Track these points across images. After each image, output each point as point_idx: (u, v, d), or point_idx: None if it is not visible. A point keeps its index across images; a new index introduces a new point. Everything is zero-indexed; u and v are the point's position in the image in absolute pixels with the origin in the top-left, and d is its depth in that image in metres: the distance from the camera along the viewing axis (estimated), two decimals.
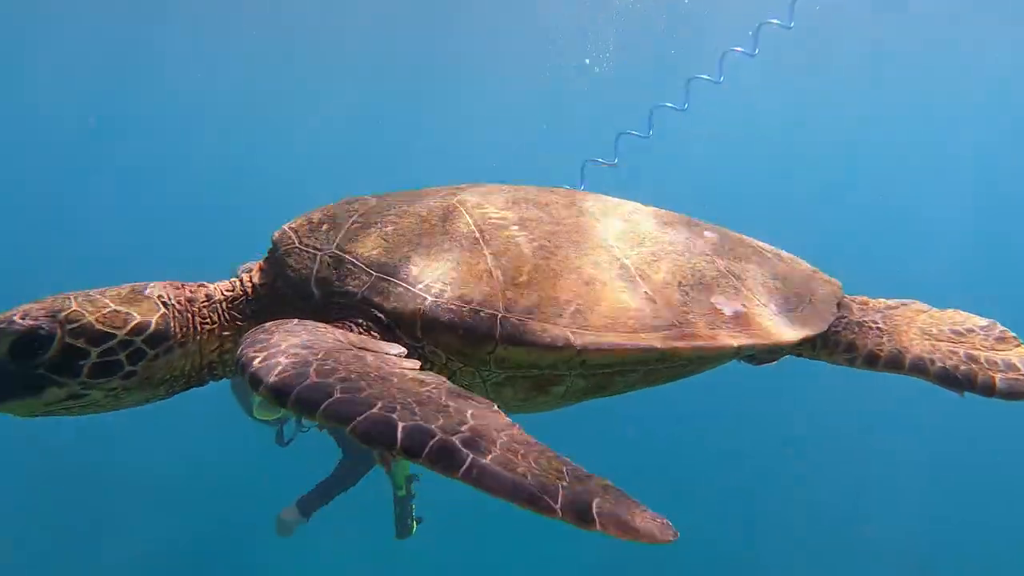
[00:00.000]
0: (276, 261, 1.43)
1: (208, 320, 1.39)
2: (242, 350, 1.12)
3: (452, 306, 1.26)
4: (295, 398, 0.98)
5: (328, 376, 1.01)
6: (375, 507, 4.47)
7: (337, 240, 1.39)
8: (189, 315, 1.37)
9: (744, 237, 1.74)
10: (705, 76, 4.33)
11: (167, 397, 1.40)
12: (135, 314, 1.28)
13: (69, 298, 1.28)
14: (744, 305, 1.43)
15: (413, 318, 1.27)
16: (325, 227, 1.44)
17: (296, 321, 1.23)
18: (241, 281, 1.47)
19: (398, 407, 0.95)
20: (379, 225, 1.42)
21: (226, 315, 1.42)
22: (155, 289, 1.37)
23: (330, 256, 1.37)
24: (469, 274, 1.31)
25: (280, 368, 1.03)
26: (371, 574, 8.41)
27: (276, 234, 1.49)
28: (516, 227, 1.43)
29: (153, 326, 1.29)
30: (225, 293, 1.44)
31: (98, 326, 1.24)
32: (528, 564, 8.78)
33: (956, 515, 9.54)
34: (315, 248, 1.39)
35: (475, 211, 1.46)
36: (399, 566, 7.91)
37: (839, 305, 1.63)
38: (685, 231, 1.59)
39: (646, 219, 1.60)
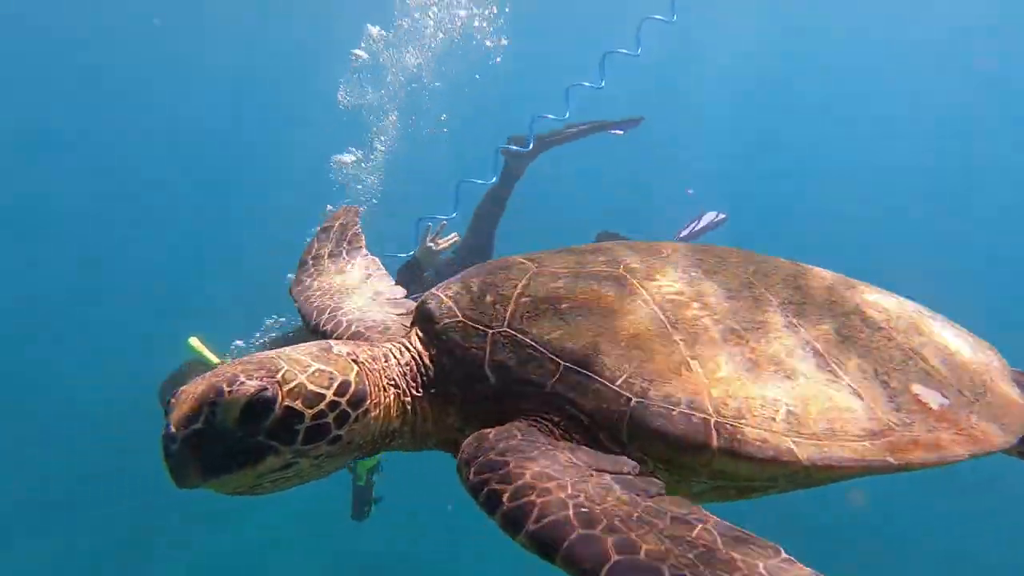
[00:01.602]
0: (438, 336, 1.31)
1: (392, 383, 1.29)
2: (477, 475, 1.03)
3: (661, 409, 1.14)
4: (565, 556, 0.88)
5: (592, 526, 0.91)
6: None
7: (508, 317, 1.27)
8: (375, 376, 1.27)
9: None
10: (658, 16, 4.61)
11: (342, 468, 1.31)
12: (336, 373, 1.19)
13: (275, 357, 1.18)
14: (944, 395, 1.31)
15: (618, 422, 1.15)
16: (489, 299, 1.32)
17: (518, 433, 1.12)
18: (409, 347, 1.36)
19: (686, 572, 0.85)
20: (552, 302, 1.29)
21: (404, 381, 1.31)
22: (342, 347, 1.27)
23: (504, 336, 1.24)
24: (667, 367, 1.19)
25: (537, 513, 0.93)
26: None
27: (431, 304, 1.35)
28: (697, 305, 1.31)
29: (353, 386, 1.20)
30: (399, 357, 1.34)
31: (310, 386, 1.15)
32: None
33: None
34: (484, 325, 1.27)
35: (649, 285, 1.34)
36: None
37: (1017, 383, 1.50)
38: (849, 294, 1.47)
39: (812, 282, 1.47)
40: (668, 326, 1.26)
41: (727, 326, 1.28)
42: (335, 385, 1.17)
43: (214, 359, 3.28)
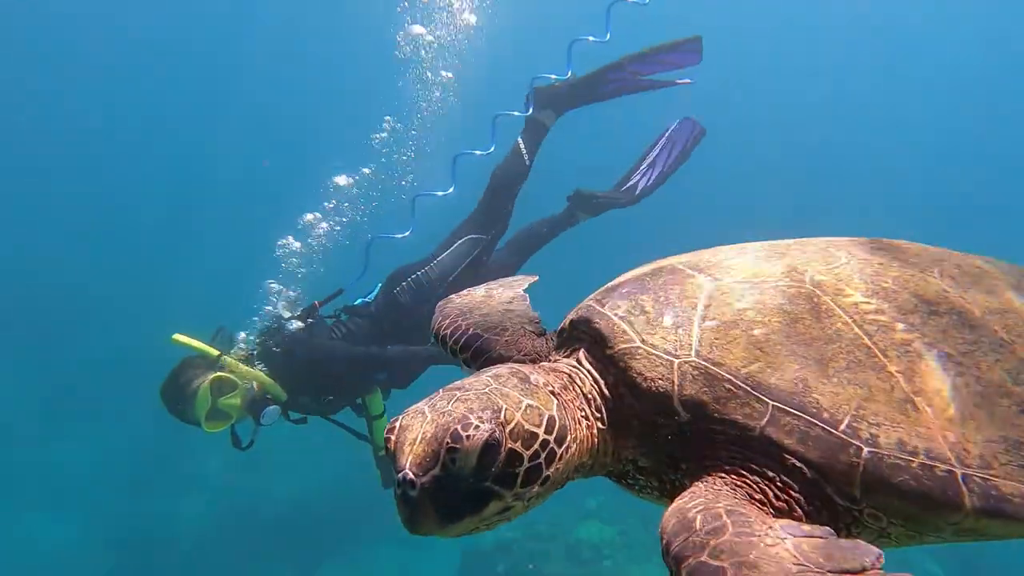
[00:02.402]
0: (614, 362, 1.16)
1: (583, 414, 1.16)
2: (691, 560, 0.87)
3: (898, 459, 0.98)
4: None
5: None
6: None
7: (693, 344, 1.11)
8: (571, 409, 1.15)
9: None
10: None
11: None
12: (542, 408, 1.07)
13: (489, 393, 1.06)
14: None
15: (848, 475, 0.99)
16: (669, 322, 1.15)
17: (726, 514, 0.93)
18: (587, 373, 1.21)
19: None
20: (741, 326, 1.13)
21: (590, 411, 1.18)
22: (537, 375, 1.15)
23: (694, 368, 1.09)
24: (890, 406, 1.03)
25: None
26: None
27: (601, 324, 1.19)
28: (903, 326, 1.13)
29: (558, 420, 1.08)
30: (582, 386, 1.20)
31: (526, 425, 1.05)
32: None
33: None
34: (667, 353, 1.11)
35: (843, 302, 1.16)
36: None
37: None
38: None
39: (1011, 294, 1.28)
40: (879, 353, 1.08)
41: (940, 350, 1.11)
42: (544, 422, 1.07)
43: (210, 350, 3.20)
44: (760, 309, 1.15)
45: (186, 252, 16.39)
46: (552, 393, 1.13)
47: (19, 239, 16.21)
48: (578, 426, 1.14)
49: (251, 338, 3.58)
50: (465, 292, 1.75)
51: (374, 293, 3.83)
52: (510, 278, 1.85)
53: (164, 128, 18.76)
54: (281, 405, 3.33)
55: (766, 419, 1.02)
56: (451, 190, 4.09)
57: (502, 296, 1.68)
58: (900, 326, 1.13)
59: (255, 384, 3.24)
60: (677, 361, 1.10)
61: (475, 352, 1.44)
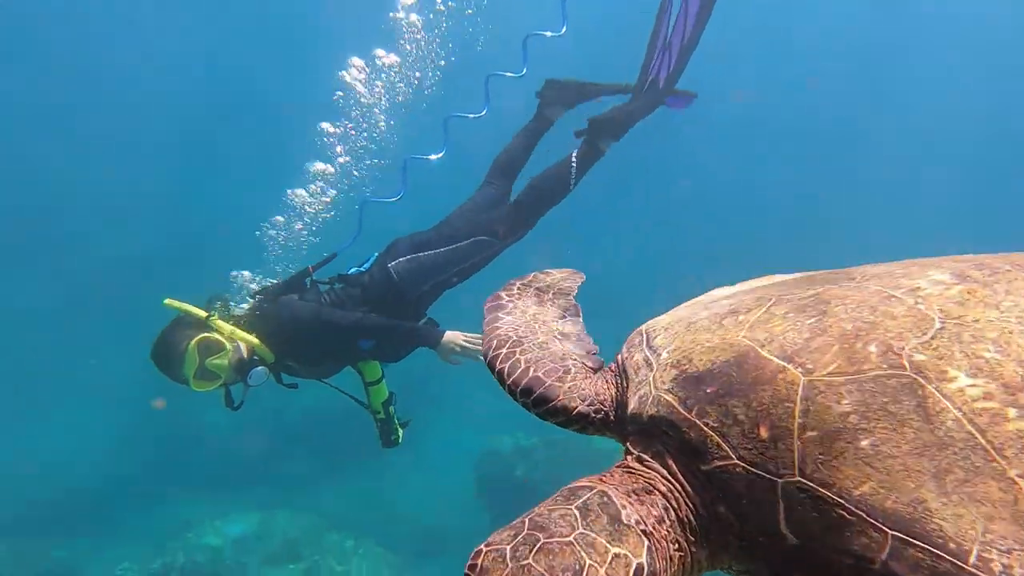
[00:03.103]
0: (711, 480, 1.07)
1: (676, 545, 1.10)
2: None
3: None
4: None
5: None
6: None
7: (796, 460, 1.01)
8: (663, 547, 1.08)
9: None
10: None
11: None
12: (630, 555, 1.01)
13: (574, 544, 0.99)
14: None
15: None
16: (765, 433, 1.05)
17: None
18: (685, 492, 1.13)
19: None
20: (845, 436, 1.02)
21: (684, 537, 1.11)
22: (630, 512, 1.07)
23: (799, 489, 1.00)
24: (1016, 523, 0.94)
25: None
26: None
27: (692, 434, 1.10)
28: (1015, 412, 1.02)
29: (647, 568, 1.02)
30: (677, 509, 1.13)
31: None
32: None
33: None
34: (769, 473, 1.02)
35: (948, 389, 1.04)
36: None
37: None
38: None
39: None
40: (996, 455, 0.98)
41: None
42: (631, 573, 1.00)
43: (199, 312, 3.24)
44: (863, 412, 1.03)
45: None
46: (645, 533, 1.05)
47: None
48: (670, 563, 1.08)
49: (244, 298, 3.57)
50: (513, 294, 1.67)
51: (369, 262, 3.71)
52: (560, 276, 1.78)
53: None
54: (270, 367, 3.34)
55: (887, 552, 0.93)
56: (442, 154, 3.92)
57: (555, 312, 1.61)
58: (1012, 412, 1.02)
59: (243, 346, 3.25)
60: (781, 482, 1.01)
61: (536, 400, 1.40)
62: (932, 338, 1.10)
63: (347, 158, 5.32)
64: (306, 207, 4.90)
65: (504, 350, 1.48)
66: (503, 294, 1.70)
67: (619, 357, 1.46)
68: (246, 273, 4.31)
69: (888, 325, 1.14)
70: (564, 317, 1.65)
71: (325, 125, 5.38)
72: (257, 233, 4.76)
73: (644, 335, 1.38)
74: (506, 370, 1.45)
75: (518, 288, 1.75)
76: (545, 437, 13.62)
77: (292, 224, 4.89)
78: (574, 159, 3.74)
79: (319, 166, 5.17)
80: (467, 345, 3.39)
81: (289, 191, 4.85)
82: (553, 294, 1.75)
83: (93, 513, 10.28)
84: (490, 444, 13.32)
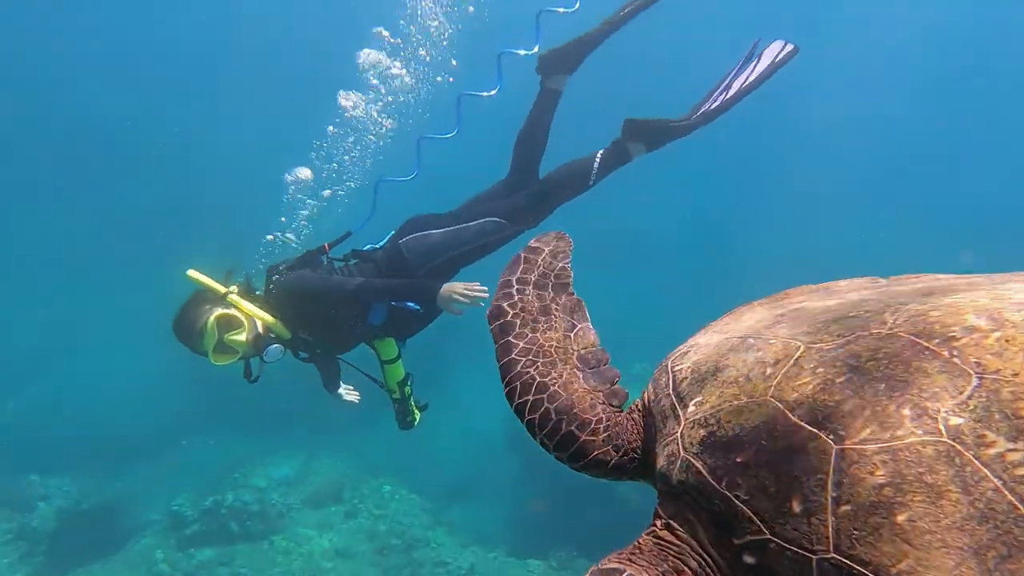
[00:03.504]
0: (744, 552, 1.05)
1: None
2: None
3: None
4: None
5: None
6: None
7: (831, 536, 0.98)
8: None
9: None
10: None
11: None
12: None
13: None
14: None
15: None
16: (797, 507, 1.01)
17: None
18: (715, 564, 1.11)
19: None
20: (881, 510, 0.98)
21: None
22: None
23: (835, 567, 0.97)
24: None
25: None
26: None
27: (722, 506, 1.07)
28: None
29: None
30: None
31: None
32: None
33: None
34: (803, 549, 0.99)
35: (985, 454, 0.98)
36: None
37: None
38: None
39: None
40: None
41: None
42: None
43: (218, 287, 3.28)
44: (898, 484, 0.99)
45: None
46: None
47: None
48: None
49: (261, 270, 3.59)
50: (515, 303, 1.60)
51: (385, 239, 3.74)
52: (548, 251, 1.71)
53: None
54: (285, 343, 3.39)
55: None
56: (455, 132, 3.83)
57: (564, 321, 1.57)
58: None
59: (259, 322, 3.29)
60: (815, 558, 0.98)
61: (572, 456, 1.39)
62: (968, 397, 1.04)
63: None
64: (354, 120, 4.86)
65: (530, 397, 1.44)
66: (506, 306, 1.61)
67: (645, 396, 1.42)
68: (290, 235, 4.33)
69: (922, 384, 1.07)
70: (574, 326, 1.60)
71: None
72: (286, 198, 4.77)
73: (671, 376, 1.33)
74: (536, 422, 1.42)
75: (517, 291, 1.65)
76: None
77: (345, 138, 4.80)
78: (599, 157, 3.65)
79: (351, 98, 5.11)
80: (466, 293, 3.36)
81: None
82: (553, 287, 1.67)
83: (148, 450, 10.90)
84: None
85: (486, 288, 3.38)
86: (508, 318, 1.58)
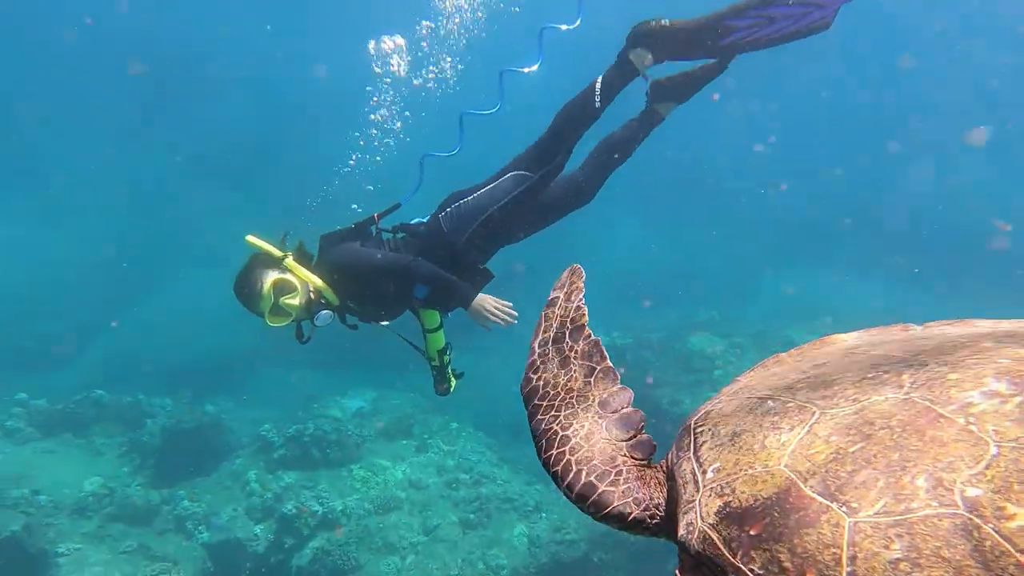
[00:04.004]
0: None
1: None
2: None
3: None
4: None
5: None
6: None
7: None
8: None
9: None
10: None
11: None
12: None
13: None
14: None
15: None
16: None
17: None
18: None
19: None
20: None
21: None
22: None
23: None
24: None
25: None
26: None
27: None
28: None
29: None
30: None
31: None
32: None
33: None
34: None
35: (1006, 528, 0.96)
36: None
37: None
38: None
39: None
40: None
41: None
42: None
43: (276, 252, 3.43)
44: (915, 559, 0.97)
45: None
46: None
47: None
48: None
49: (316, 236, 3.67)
50: (538, 367, 1.68)
51: (431, 214, 3.77)
52: (563, 297, 1.75)
53: None
54: (334, 309, 3.51)
55: None
56: (497, 108, 3.80)
57: (582, 370, 1.62)
58: None
59: (312, 287, 3.41)
60: None
61: (592, 506, 1.44)
62: (987, 467, 1.01)
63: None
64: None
65: (554, 452, 1.50)
66: (530, 375, 1.69)
67: (669, 457, 1.45)
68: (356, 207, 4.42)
69: (937, 453, 1.05)
70: (593, 370, 1.64)
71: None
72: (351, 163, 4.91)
73: (692, 437, 1.36)
74: (559, 472, 1.48)
75: (539, 355, 1.72)
76: (639, 338, 13.80)
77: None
78: (600, 77, 3.54)
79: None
80: (497, 313, 3.43)
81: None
82: (570, 334, 1.71)
83: (234, 378, 11.74)
84: None
85: (516, 313, 3.46)
86: (532, 384, 1.66)
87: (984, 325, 1.47)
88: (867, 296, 15.19)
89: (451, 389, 3.95)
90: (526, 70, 3.78)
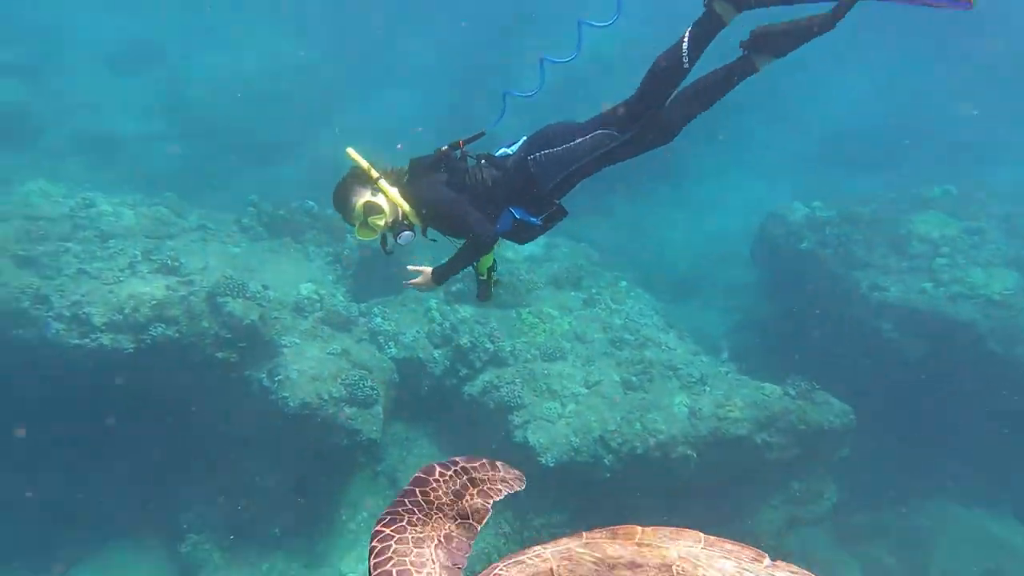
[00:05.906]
0: None
1: None
2: None
3: None
4: None
5: None
6: None
7: None
8: None
9: None
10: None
11: None
12: None
13: None
14: None
15: None
16: None
17: None
18: None
19: None
20: None
21: None
22: None
23: None
24: None
25: None
26: None
27: None
28: None
29: None
30: None
31: None
32: None
33: None
34: None
35: None
36: None
37: None
38: None
39: None
40: None
41: None
42: None
43: (371, 171, 3.77)
44: None
45: None
46: None
47: None
48: None
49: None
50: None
51: (516, 145, 3.88)
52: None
53: None
54: (416, 231, 3.88)
55: None
56: (574, 57, 3.81)
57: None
58: None
59: (400, 210, 3.78)
60: None
61: None
62: None
63: None
64: None
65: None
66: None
67: None
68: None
69: None
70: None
71: None
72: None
73: None
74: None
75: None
76: (844, 211, 12.38)
77: None
78: (687, 32, 3.55)
79: None
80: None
81: None
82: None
83: None
84: (779, 208, 12.55)
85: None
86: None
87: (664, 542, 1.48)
88: None
89: (491, 298, 4.45)
90: (601, 25, 3.85)
